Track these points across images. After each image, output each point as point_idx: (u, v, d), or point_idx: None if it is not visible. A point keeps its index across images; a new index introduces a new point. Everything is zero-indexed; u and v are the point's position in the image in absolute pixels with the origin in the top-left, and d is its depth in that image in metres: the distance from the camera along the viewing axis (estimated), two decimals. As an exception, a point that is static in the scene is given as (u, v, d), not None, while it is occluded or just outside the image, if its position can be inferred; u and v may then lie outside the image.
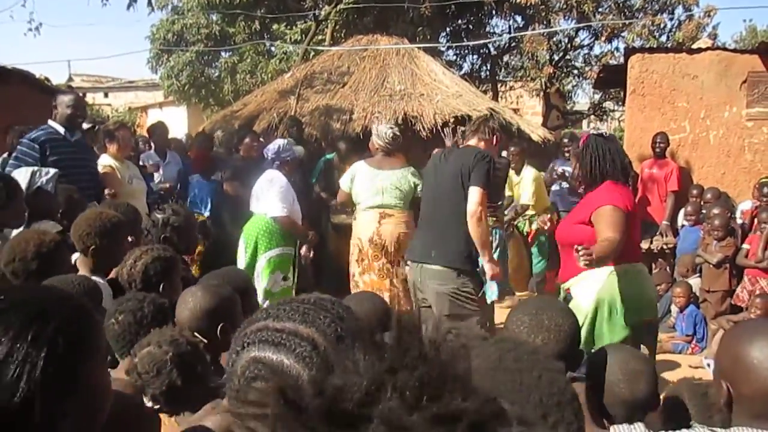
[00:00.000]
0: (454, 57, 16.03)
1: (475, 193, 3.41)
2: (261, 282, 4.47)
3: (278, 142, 4.77)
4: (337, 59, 9.78)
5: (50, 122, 4.27)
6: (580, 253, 2.57)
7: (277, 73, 12.36)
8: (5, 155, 4.84)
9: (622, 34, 14.26)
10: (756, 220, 5.45)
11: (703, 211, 5.92)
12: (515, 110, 14.19)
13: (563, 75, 16.20)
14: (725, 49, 6.88)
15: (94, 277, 2.53)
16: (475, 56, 16.17)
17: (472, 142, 3.70)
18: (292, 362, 0.94)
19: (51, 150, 4.08)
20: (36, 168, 3.57)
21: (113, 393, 1.07)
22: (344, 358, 0.50)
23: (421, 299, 3.69)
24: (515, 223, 6.21)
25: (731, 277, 5.37)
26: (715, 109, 6.60)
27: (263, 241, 4.51)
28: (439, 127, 7.94)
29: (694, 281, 5.62)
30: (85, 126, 4.96)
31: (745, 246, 5.32)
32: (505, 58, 16.86)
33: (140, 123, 17.49)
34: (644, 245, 5.67)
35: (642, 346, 3.02)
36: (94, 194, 4.25)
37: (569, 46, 15.60)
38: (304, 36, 12.80)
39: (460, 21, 15.11)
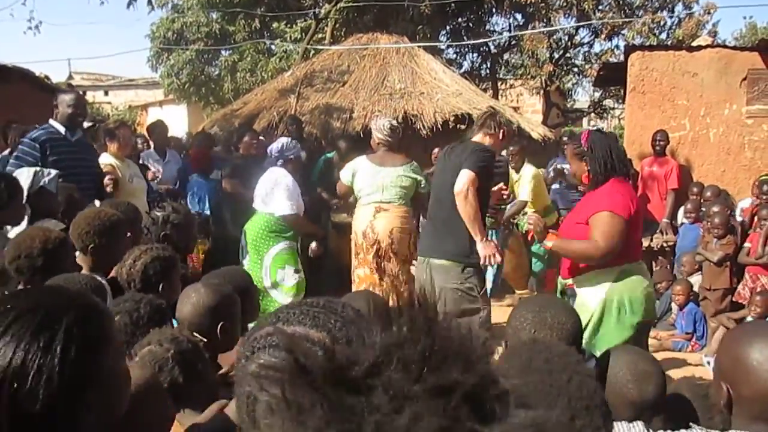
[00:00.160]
0: (454, 55, 16.04)
1: (464, 175, 3.39)
2: (269, 279, 4.48)
3: (282, 141, 4.76)
4: (337, 58, 9.78)
5: (51, 121, 4.27)
6: (531, 220, 2.61)
7: (277, 72, 12.34)
8: (5, 153, 4.85)
9: (622, 32, 14.28)
10: (756, 218, 5.44)
11: (703, 209, 5.91)
12: (515, 108, 14.22)
13: (563, 73, 16.19)
14: (725, 47, 6.87)
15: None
16: (475, 54, 16.18)
17: (479, 137, 3.65)
18: None
19: (51, 150, 4.08)
20: (38, 168, 3.59)
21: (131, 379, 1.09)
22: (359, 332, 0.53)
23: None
24: (515, 221, 6.20)
25: (732, 275, 5.37)
26: (715, 107, 6.59)
27: (266, 239, 4.51)
28: (439, 126, 7.96)
29: (695, 279, 5.62)
30: (85, 124, 4.95)
31: (747, 245, 5.31)
32: (506, 56, 16.87)
33: (140, 121, 17.47)
34: (644, 243, 5.66)
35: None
36: (95, 194, 4.25)
37: (569, 44, 15.60)
38: (304, 34, 12.78)
39: (460, 19, 15.10)
